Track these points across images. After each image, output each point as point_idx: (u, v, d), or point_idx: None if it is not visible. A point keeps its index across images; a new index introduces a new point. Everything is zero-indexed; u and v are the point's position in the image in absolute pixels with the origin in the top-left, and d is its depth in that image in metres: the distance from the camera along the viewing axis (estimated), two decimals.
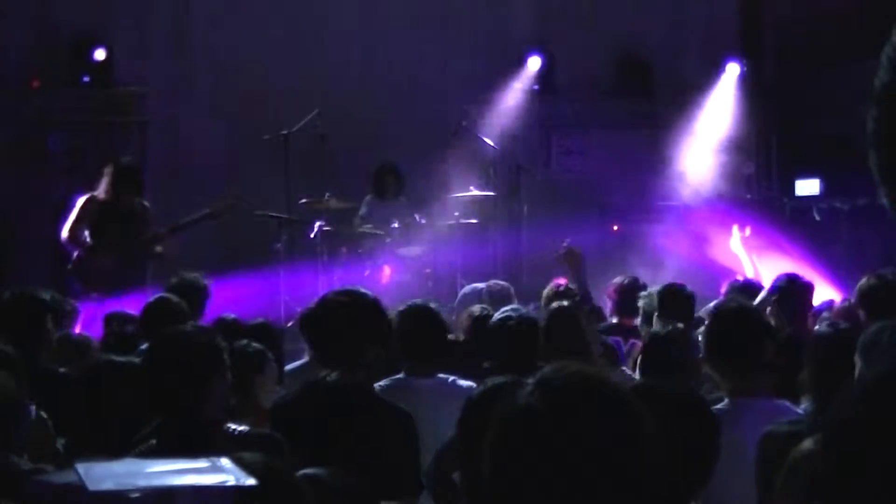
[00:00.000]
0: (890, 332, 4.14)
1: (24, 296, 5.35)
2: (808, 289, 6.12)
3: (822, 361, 4.62)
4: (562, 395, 1.80)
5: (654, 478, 1.80)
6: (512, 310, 5.24)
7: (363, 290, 4.58)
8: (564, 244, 7.27)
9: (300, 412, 4.01)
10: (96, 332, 6.61)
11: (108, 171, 9.43)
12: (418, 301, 5.42)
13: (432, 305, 5.34)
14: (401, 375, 5.06)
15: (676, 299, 6.33)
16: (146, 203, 9.36)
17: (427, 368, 5.06)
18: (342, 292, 4.51)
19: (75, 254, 9.21)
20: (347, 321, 4.23)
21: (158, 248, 9.26)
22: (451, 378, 5.05)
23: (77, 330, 6.79)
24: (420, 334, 5.07)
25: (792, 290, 5.98)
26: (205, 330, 4.07)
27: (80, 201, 9.29)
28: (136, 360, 4.23)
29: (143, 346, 5.64)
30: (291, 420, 3.93)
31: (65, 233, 9.23)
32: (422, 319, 5.12)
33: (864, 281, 5.94)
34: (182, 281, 6.80)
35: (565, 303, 5.80)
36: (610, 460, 1.75)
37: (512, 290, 8.18)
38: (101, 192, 9.30)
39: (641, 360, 5.15)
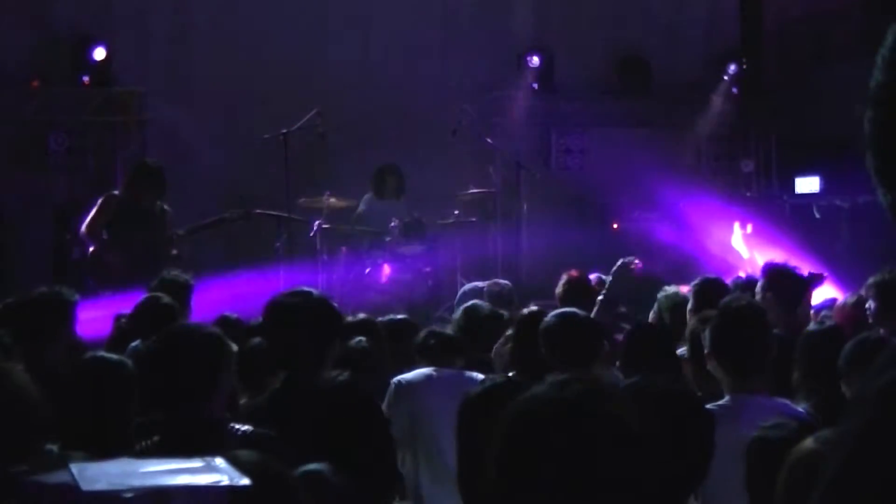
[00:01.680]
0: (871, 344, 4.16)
1: (52, 295, 5.41)
2: (803, 281, 6.03)
3: (812, 361, 4.62)
4: (565, 396, 1.81)
5: (653, 476, 1.80)
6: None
7: (308, 288, 4.56)
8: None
9: (272, 416, 4.00)
10: (104, 329, 6.61)
11: (131, 170, 9.49)
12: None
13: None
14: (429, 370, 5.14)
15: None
16: (167, 207, 9.38)
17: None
18: (291, 293, 4.48)
19: (90, 249, 9.24)
20: (301, 323, 4.20)
21: (175, 252, 9.29)
22: (473, 373, 5.11)
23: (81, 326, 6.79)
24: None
25: (785, 282, 5.91)
26: (211, 327, 4.06)
27: (101, 199, 9.33)
28: (126, 359, 4.24)
29: (134, 344, 5.67)
30: (265, 425, 3.91)
31: (84, 228, 9.28)
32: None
33: (878, 276, 5.90)
34: (165, 279, 6.81)
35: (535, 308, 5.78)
36: (612, 460, 1.76)
37: (513, 289, 8.18)
38: (122, 191, 9.36)
39: (623, 356, 5.14)
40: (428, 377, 5.01)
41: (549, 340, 4.89)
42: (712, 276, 6.60)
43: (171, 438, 3.47)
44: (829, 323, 5.09)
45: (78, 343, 5.58)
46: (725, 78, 13.44)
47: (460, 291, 9.72)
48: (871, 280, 5.94)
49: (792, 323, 5.73)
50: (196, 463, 1.50)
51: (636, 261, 6.20)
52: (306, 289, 4.52)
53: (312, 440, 3.80)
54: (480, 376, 4.95)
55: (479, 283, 9.02)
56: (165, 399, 3.66)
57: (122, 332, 6.22)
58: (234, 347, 3.84)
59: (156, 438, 3.55)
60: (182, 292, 6.54)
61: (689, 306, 6.05)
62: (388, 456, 4.16)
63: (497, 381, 3.03)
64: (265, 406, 4.15)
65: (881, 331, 5.02)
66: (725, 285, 6.26)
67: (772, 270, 6.04)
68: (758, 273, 7.02)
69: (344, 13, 12.57)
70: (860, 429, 1.24)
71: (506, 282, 8.44)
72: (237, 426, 3.70)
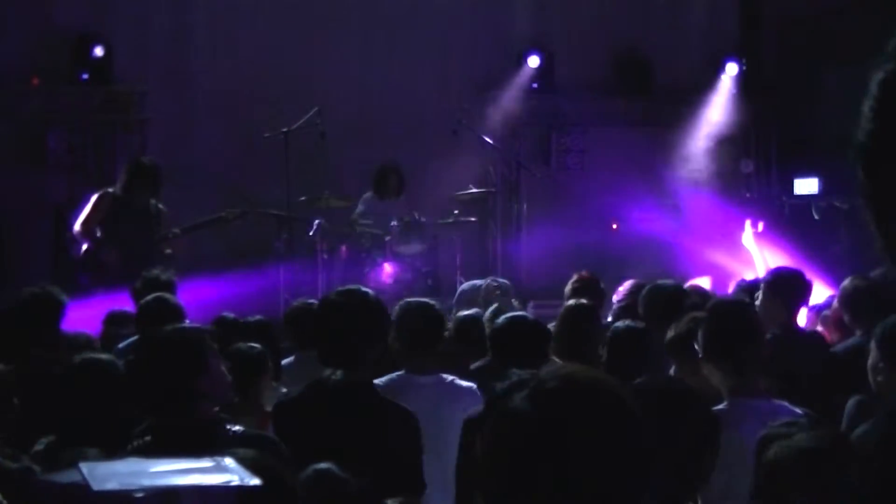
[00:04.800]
0: None
1: (44, 295, 5.43)
2: (801, 283, 6.00)
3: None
4: (552, 397, 1.80)
5: (647, 479, 1.80)
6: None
7: (364, 289, 4.60)
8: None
9: (304, 411, 4.03)
10: (97, 327, 6.62)
11: (126, 168, 9.47)
12: (419, 299, 5.43)
13: (432, 303, 5.36)
14: (401, 372, 5.08)
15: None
16: (161, 205, 9.36)
17: (427, 366, 5.08)
18: (343, 292, 4.54)
19: (84, 247, 9.23)
20: (347, 321, 4.25)
21: (168, 250, 9.27)
22: (451, 377, 5.08)
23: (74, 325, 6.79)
24: (423, 332, 5.08)
25: (782, 284, 5.87)
26: (190, 329, 4.06)
27: (95, 196, 9.32)
28: (113, 358, 4.28)
29: (125, 343, 5.70)
30: (295, 419, 3.95)
31: (77, 226, 9.26)
32: (425, 317, 5.14)
33: (847, 283, 5.92)
34: (147, 278, 6.79)
35: (583, 301, 5.79)
36: (600, 463, 1.75)
37: (512, 287, 8.19)
38: (117, 188, 9.34)
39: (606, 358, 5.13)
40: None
41: (497, 342, 4.98)
42: (665, 282, 6.55)
43: (161, 439, 3.50)
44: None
45: (70, 342, 5.59)
46: (725, 77, 13.45)
47: (459, 290, 9.75)
48: (841, 288, 5.96)
49: (788, 324, 5.74)
50: (206, 463, 1.50)
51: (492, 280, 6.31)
52: (362, 289, 4.57)
53: (345, 438, 3.82)
54: None
55: (478, 282, 9.04)
56: (148, 401, 3.70)
57: (112, 336, 6.24)
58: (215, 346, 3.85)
59: (147, 439, 3.57)
60: (164, 291, 6.51)
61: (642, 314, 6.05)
62: (414, 458, 4.19)
63: (523, 379, 3.03)
64: (301, 399, 4.18)
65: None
66: (680, 291, 6.20)
67: (781, 275, 6.00)
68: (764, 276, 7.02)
69: (344, 12, 12.57)
70: (884, 439, 1.23)
71: (504, 280, 8.47)
72: (231, 426, 3.72)
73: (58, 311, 5.47)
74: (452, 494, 4.43)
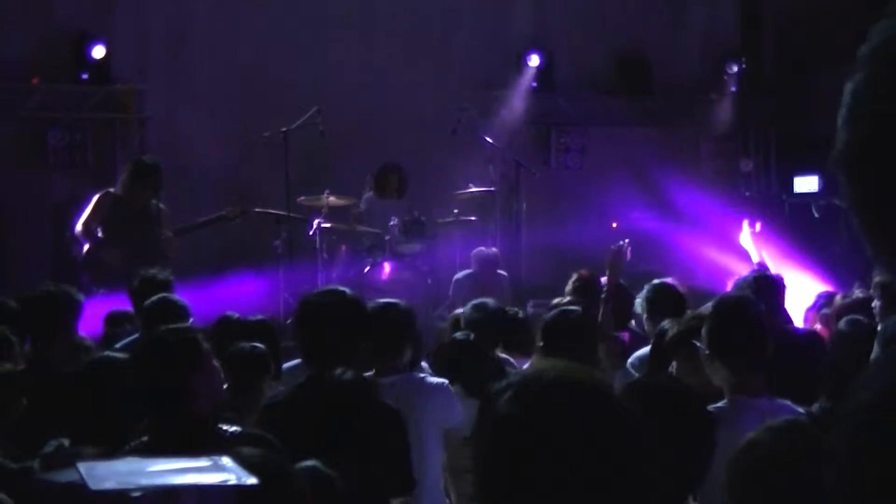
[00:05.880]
0: None
1: (60, 293, 5.43)
2: (778, 285, 5.99)
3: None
4: (537, 397, 1.80)
5: (642, 478, 1.79)
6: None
7: (342, 288, 4.59)
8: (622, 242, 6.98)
9: (292, 411, 4.04)
10: (96, 327, 6.62)
11: (127, 168, 9.46)
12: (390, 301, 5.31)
13: (401, 305, 5.27)
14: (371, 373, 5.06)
15: (666, 298, 6.18)
16: (162, 205, 9.35)
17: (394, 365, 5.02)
18: (321, 292, 4.54)
19: (85, 247, 9.22)
20: (329, 321, 4.25)
21: (169, 253, 9.27)
22: (422, 375, 5.07)
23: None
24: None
25: (760, 287, 5.85)
26: (184, 329, 4.07)
27: (97, 196, 9.31)
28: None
29: (123, 342, 5.70)
30: (284, 419, 3.95)
31: (78, 226, 9.25)
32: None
33: (884, 276, 5.93)
34: (144, 278, 6.78)
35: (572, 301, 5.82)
36: (588, 462, 1.75)
37: (499, 255, 8.16)
38: (118, 188, 9.33)
39: (651, 358, 5.13)
40: None
41: (547, 335, 4.96)
42: (665, 281, 6.54)
43: (158, 438, 3.51)
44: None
45: (82, 342, 5.59)
46: (725, 77, 13.46)
47: (454, 279, 9.77)
48: (876, 279, 5.99)
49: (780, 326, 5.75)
50: (203, 462, 1.50)
51: (625, 242, 6.23)
52: (340, 288, 4.57)
53: (333, 437, 3.82)
54: None
55: (471, 271, 9.08)
56: (146, 400, 3.71)
57: (111, 336, 6.24)
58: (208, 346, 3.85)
59: (144, 438, 3.58)
60: (162, 291, 6.51)
61: (644, 315, 6.07)
62: (404, 456, 4.19)
63: (511, 380, 3.04)
64: (287, 401, 4.18)
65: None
66: (678, 292, 6.21)
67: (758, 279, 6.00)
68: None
69: (344, 11, 12.57)
70: (852, 440, 1.21)
71: (493, 248, 8.52)
72: (225, 427, 3.73)
73: (73, 309, 5.44)
74: (426, 488, 4.45)
